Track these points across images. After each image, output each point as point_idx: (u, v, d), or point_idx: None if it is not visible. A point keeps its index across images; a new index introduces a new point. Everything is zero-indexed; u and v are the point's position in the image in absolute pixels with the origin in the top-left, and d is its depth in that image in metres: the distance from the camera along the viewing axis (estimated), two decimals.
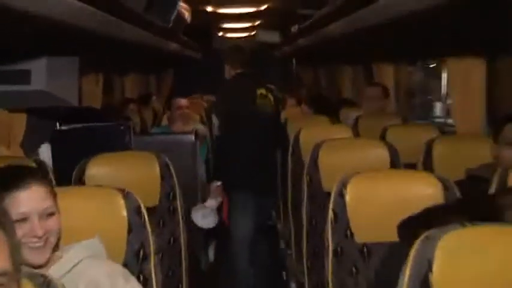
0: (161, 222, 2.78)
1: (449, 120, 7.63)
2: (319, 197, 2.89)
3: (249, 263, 4.19)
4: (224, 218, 4.36)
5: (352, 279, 2.18)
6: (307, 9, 5.11)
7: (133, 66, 6.65)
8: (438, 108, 7.55)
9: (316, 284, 2.78)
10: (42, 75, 3.00)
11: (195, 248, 3.97)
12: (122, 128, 3.16)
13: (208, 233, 4.84)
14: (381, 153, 2.92)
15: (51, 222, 1.71)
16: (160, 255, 2.75)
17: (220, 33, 9.00)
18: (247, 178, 4.11)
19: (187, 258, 2.79)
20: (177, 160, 3.95)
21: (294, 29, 5.65)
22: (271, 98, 4.35)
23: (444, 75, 6.32)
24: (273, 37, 7.53)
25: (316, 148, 2.97)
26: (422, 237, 1.39)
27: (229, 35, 8.91)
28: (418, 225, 1.70)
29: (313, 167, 2.95)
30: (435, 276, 1.36)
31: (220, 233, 5.18)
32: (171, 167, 2.81)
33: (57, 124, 3.22)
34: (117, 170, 2.77)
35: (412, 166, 3.12)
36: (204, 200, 4.54)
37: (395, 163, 2.87)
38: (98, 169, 2.74)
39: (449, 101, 5.45)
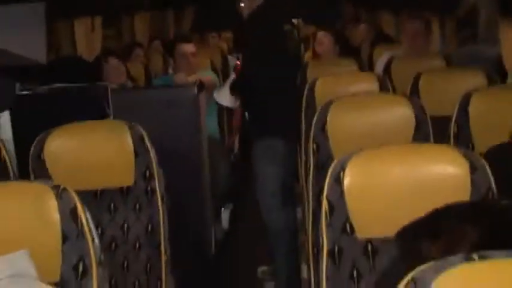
0: (137, 207, 2.51)
1: None
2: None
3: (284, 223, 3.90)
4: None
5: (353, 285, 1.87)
6: None
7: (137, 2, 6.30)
8: None
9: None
10: None
11: (200, 227, 3.72)
12: (95, 89, 2.85)
13: (223, 196, 4.60)
14: (404, 114, 2.55)
15: None
16: (138, 245, 2.51)
17: None
18: (279, 122, 3.86)
19: (169, 249, 2.51)
20: (177, 118, 3.73)
21: None
22: (296, 35, 4.01)
23: None
24: None
25: (324, 109, 2.62)
26: (407, 280, 1.05)
27: None
28: (422, 236, 1.37)
29: (321, 134, 2.60)
30: None
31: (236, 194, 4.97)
32: (147, 140, 2.52)
33: (17, 87, 2.94)
34: (81, 145, 2.50)
35: (445, 123, 2.73)
36: (214, 162, 4.28)
37: (420, 126, 2.50)
38: (58, 144, 2.48)
39: None
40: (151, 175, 2.52)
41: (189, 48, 4.70)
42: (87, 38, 4.98)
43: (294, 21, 4.28)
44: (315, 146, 2.62)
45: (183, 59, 4.59)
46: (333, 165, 1.89)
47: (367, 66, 4.24)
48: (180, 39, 4.89)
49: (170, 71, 5.24)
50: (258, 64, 3.88)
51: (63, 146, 2.48)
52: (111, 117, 2.98)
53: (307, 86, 3.46)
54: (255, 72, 3.92)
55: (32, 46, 3.01)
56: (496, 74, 3.35)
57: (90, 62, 4.51)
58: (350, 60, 4.36)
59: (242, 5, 4.06)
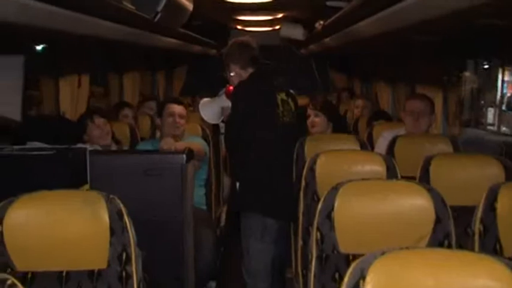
0: None
1: (504, 128, 6.99)
2: None
3: None
4: None
5: None
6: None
7: (125, 63, 6.03)
8: (491, 114, 6.91)
9: None
10: None
11: None
12: (72, 152, 2.49)
13: (206, 273, 4.19)
14: (423, 205, 2.23)
15: None
16: None
17: (239, 27, 8.33)
18: (273, 199, 3.62)
19: None
20: (161, 187, 3.38)
21: (319, 25, 4.94)
22: (292, 105, 3.76)
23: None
24: (297, 33, 6.81)
25: (331, 194, 2.29)
26: None
27: (248, 29, 8.23)
28: None
29: (327, 222, 2.26)
30: None
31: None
32: (126, 216, 2.15)
33: None
34: (48, 218, 2.12)
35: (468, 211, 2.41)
36: (199, 236, 3.91)
37: (441, 221, 2.17)
38: (21, 214, 2.11)
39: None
40: (128, 258, 2.14)
41: (178, 109, 4.39)
42: (72, 94, 4.65)
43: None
44: (318, 235, 2.28)
45: (171, 122, 4.27)
46: (350, 269, 1.54)
47: (367, 144, 3.93)
48: (169, 100, 4.60)
49: (158, 134, 4.91)
50: (249, 137, 3.59)
51: (27, 217, 2.11)
52: (87, 185, 2.61)
53: (307, 164, 3.14)
54: (247, 145, 3.62)
55: (6, 101, 2.67)
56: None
57: (73, 120, 4.16)
58: (349, 137, 4.07)
59: (232, 74, 3.80)
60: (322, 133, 4.29)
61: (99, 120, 4.02)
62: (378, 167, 3.07)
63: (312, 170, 3.10)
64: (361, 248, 2.23)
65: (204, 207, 4.47)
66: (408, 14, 2.72)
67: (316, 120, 4.34)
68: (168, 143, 4.08)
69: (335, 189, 2.31)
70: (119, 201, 2.16)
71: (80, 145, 3.51)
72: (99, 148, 3.86)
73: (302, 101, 6.98)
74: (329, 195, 2.31)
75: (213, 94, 7.18)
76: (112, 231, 2.12)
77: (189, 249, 3.58)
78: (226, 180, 5.66)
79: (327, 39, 4.75)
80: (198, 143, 4.29)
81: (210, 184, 4.70)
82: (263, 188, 3.62)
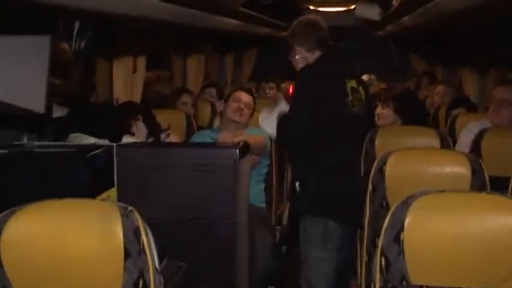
0: None
1: None
2: None
3: None
4: None
5: None
6: None
7: (189, 45, 5.66)
8: None
9: None
10: None
11: None
12: (91, 152, 2.11)
13: (263, 279, 3.78)
14: None
15: None
16: None
17: (312, 7, 7.80)
18: (336, 202, 3.21)
19: None
20: (212, 185, 2.99)
21: (395, 1, 4.40)
22: (363, 94, 3.35)
23: None
24: (373, 12, 6.25)
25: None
26: None
27: (322, 9, 7.70)
28: None
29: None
30: None
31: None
32: (144, 234, 1.75)
33: None
34: (50, 233, 1.75)
35: None
36: (256, 237, 3.52)
37: None
38: (20, 230, 1.75)
39: None
40: (146, 286, 1.74)
41: (246, 98, 3.98)
42: (126, 80, 4.31)
43: (364, 76, 3.61)
44: (383, 261, 1.81)
45: (236, 108, 3.87)
46: None
47: (449, 139, 3.38)
48: (236, 87, 4.22)
49: (217, 123, 4.52)
50: (314, 130, 3.13)
51: (26, 233, 1.75)
52: (114, 189, 2.24)
53: (375, 164, 2.65)
54: (310, 139, 3.16)
55: (30, 88, 2.33)
56: None
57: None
58: (428, 130, 3.54)
59: (297, 57, 3.35)
60: (388, 126, 3.76)
61: None
62: (461, 169, 2.56)
63: (381, 171, 2.62)
64: (437, 279, 1.77)
65: (263, 205, 4.06)
66: None
67: (382, 112, 3.83)
68: (225, 138, 3.69)
69: (405, 204, 1.83)
70: (138, 215, 1.76)
71: (126, 138, 3.18)
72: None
73: (377, 87, 6.46)
74: (398, 210, 1.83)
75: (281, 80, 6.79)
76: (127, 254, 1.73)
77: (243, 253, 3.20)
78: (290, 175, 5.22)
79: (405, 18, 4.21)
80: (258, 136, 3.87)
81: (270, 179, 4.27)
82: (325, 188, 3.17)
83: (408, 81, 7.72)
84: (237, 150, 3.05)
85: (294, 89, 3.39)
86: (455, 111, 4.71)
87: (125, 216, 1.75)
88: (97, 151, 2.18)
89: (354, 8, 7.03)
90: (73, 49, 4.34)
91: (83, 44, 4.38)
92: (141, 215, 1.78)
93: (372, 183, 2.62)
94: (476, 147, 3.26)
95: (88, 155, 2.11)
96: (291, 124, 3.22)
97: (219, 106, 4.21)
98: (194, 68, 6.19)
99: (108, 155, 2.24)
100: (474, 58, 5.30)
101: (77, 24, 4.28)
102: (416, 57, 8.51)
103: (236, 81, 8.13)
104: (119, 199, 2.31)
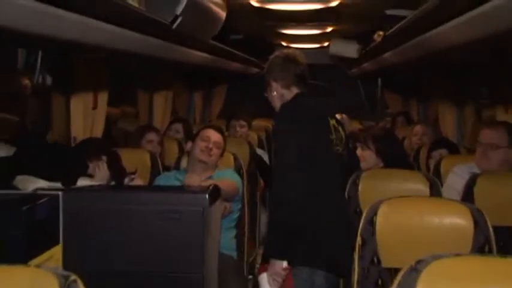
0: None
1: None
2: None
3: None
4: None
5: None
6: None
7: (155, 80, 5.34)
8: None
9: None
10: None
11: None
12: (17, 210, 1.73)
13: None
14: None
15: None
16: None
17: (284, 43, 7.58)
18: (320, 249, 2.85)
19: None
20: (178, 235, 2.65)
21: (377, 36, 4.15)
22: (343, 134, 3.09)
23: None
24: (350, 49, 6.01)
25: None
26: None
27: (294, 45, 7.48)
28: None
29: None
30: None
31: None
32: None
33: None
34: None
35: None
36: None
37: None
38: None
39: None
40: None
41: (216, 137, 3.66)
42: (85, 116, 3.94)
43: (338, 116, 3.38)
44: None
45: (204, 147, 3.55)
46: None
47: (439, 184, 3.10)
48: (205, 125, 3.90)
49: (184, 164, 4.15)
50: (293, 172, 2.79)
51: None
52: (58, 247, 1.86)
53: (364, 215, 2.33)
54: (289, 181, 2.82)
55: None
56: None
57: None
58: (415, 174, 3.27)
59: (273, 94, 3.05)
60: (370, 169, 3.46)
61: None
62: (461, 221, 2.27)
63: (371, 223, 2.30)
64: None
65: (235, 253, 3.70)
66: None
67: (363, 154, 3.53)
68: (192, 180, 3.34)
69: (414, 271, 1.49)
70: (82, 285, 1.39)
71: (81, 181, 2.82)
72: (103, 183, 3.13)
73: (350, 127, 6.19)
74: (406, 280, 1.49)
75: (252, 118, 6.48)
76: None
77: None
78: (263, 218, 4.87)
79: (387, 54, 3.96)
80: (229, 180, 3.52)
81: (242, 224, 3.92)
82: (310, 234, 2.82)
83: (383, 121, 7.48)
84: (207, 196, 2.70)
85: (275, 131, 3.08)
86: (435, 153, 4.47)
87: (66, 286, 1.38)
88: (39, 201, 1.80)
89: (328, 45, 6.80)
90: (35, 82, 3.97)
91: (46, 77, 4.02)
92: (88, 283, 1.41)
93: (362, 236, 2.30)
94: (468, 194, 2.96)
95: (24, 208, 1.72)
96: (285, 189, 2.81)
97: (187, 146, 3.88)
98: (161, 104, 5.84)
99: (53, 204, 1.87)
100: (452, 93, 5.10)
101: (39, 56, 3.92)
102: (390, 93, 8.32)
103: (205, 118, 7.81)
104: (65, 259, 1.94)
